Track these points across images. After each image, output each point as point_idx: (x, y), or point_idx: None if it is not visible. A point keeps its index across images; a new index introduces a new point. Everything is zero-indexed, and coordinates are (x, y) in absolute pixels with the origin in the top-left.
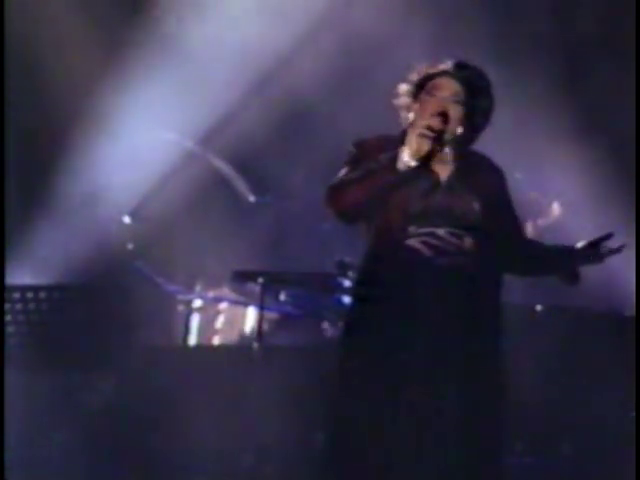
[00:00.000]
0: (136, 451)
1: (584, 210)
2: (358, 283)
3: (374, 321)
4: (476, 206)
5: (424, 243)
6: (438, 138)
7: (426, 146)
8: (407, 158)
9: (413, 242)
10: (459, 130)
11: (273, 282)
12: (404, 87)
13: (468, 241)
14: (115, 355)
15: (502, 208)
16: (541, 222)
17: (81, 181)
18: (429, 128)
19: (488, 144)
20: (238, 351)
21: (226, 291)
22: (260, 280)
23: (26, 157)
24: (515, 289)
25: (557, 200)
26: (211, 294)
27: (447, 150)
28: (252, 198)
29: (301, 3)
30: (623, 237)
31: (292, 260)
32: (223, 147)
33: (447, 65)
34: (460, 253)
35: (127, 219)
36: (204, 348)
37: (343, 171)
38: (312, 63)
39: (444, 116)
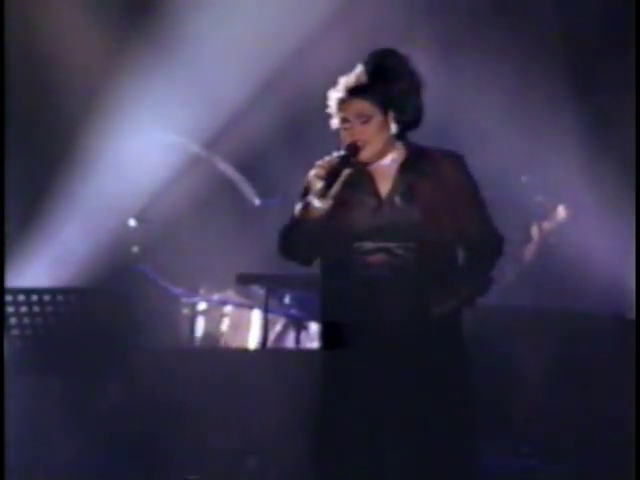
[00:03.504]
0: (139, 453)
1: (589, 213)
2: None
3: (338, 338)
4: (417, 218)
5: (378, 259)
6: (332, 174)
7: (318, 184)
8: (314, 201)
9: (367, 259)
10: (381, 141)
11: (278, 285)
12: (333, 121)
13: (416, 254)
14: (119, 358)
15: (443, 214)
16: (546, 225)
17: (86, 183)
18: (319, 168)
19: (494, 147)
20: (243, 354)
21: (231, 294)
22: (265, 283)
23: (30, 159)
24: (516, 291)
25: (562, 203)
26: (216, 297)
27: (387, 163)
28: (257, 201)
29: (307, 3)
30: (625, 240)
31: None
32: (228, 150)
33: (349, 83)
34: (412, 266)
35: (132, 222)
36: (209, 351)
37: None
38: (319, 64)
39: (353, 147)
